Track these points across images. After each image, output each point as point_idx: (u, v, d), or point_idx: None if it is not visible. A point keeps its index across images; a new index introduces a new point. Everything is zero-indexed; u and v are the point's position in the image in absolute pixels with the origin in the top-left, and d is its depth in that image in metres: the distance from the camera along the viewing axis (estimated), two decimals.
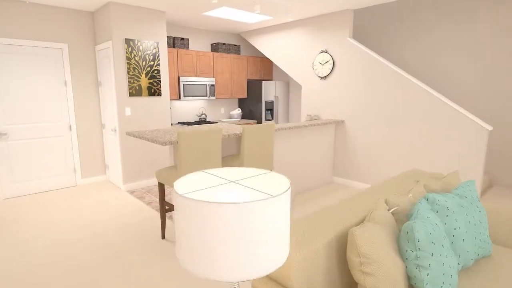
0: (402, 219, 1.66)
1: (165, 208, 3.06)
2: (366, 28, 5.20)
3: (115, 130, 4.51)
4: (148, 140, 2.99)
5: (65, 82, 4.55)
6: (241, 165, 3.17)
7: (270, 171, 1.03)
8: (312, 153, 4.60)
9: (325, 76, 4.90)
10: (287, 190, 0.83)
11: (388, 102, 4.21)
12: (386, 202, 1.68)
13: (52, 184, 4.61)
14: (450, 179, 2.11)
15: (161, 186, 3.04)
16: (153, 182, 4.88)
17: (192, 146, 2.68)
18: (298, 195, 4.43)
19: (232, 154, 3.57)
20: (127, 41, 4.31)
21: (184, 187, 0.86)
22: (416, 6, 4.66)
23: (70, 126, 4.66)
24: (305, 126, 4.19)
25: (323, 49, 4.87)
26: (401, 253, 1.40)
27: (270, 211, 0.77)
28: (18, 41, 4.11)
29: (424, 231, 1.34)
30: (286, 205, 0.83)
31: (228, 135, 3.21)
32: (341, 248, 1.46)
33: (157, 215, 3.69)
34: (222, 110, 6.55)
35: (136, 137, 3.19)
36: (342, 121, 4.75)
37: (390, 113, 4.21)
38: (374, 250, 1.30)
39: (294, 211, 3.85)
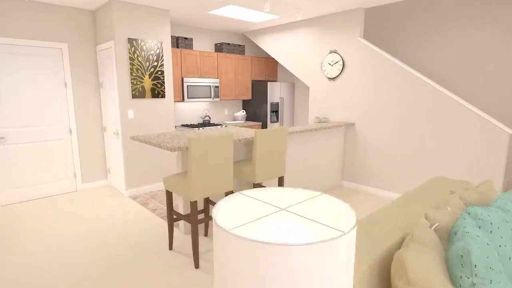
0: (444, 236, 1.50)
1: (173, 217, 2.89)
2: (375, 28, 5.05)
3: (117, 134, 4.33)
4: (155, 146, 2.82)
5: (65, 83, 4.38)
6: (252, 171, 3.00)
7: (321, 193, 0.87)
8: (321, 156, 4.45)
9: (334, 77, 4.75)
10: (355, 224, 0.67)
11: (400, 103, 4.06)
12: (426, 217, 1.52)
13: (52, 190, 4.43)
14: (484, 189, 1.96)
15: (169, 194, 2.87)
16: (156, 187, 4.71)
17: (204, 152, 2.52)
18: None
19: (242, 159, 3.41)
20: (130, 40, 4.14)
21: (227, 217, 0.70)
22: (428, 5, 4.51)
23: (70, 129, 4.49)
24: (316, 129, 4.03)
25: (332, 49, 4.72)
26: (453, 278, 1.24)
27: (340, 251, 0.61)
28: (17, 40, 3.93)
29: (481, 254, 1.19)
30: (353, 241, 0.67)
31: (239, 140, 3.05)
32: (383, 273, 1.30)
33: (163, 223, 3.52)
34: (226, 112, 6.39)
35: (142, 141, 3.02)
36: (352, 124, 4.60)
37: (402, 114, 4.06)
38: (426, 276, 1.14)
39: None
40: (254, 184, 3.06)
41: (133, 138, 3.18)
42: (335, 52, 4.68)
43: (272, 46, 5.66)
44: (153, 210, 3.90)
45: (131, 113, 4.30)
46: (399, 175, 4.21)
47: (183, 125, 5.51)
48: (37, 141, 4.23)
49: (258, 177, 3.02)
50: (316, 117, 5.03)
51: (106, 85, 4.49)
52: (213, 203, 3.04)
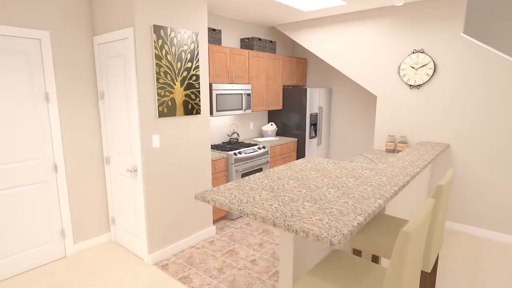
0: None
1: None
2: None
3: (135, 171, 2.85)
4: (317, 239, 1.48)
5: (46, 95, 2.79)
6: (427, 251, 1.77)
7: None
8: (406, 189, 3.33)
9: (419, 85, 3.66)
10: None
11: None
12: None
13: (27, 261, 2.81)
14: None
15: None
16: (187, 243, 3.27)
17: (413, 246, 1.25)
18: None
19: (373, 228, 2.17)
20: (157, 29, 2.68)
21: None
22: None
23: (56, 165, 2.90)
24: (429, 164, 2.89)
25: (418, 48, 3.63)
26: None
27: None
28: None
29: None
30: None
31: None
32: None
33: None
34: (251, 126, 5.05)
35: (273, 223, 1.65)
36: (447, 146, 3.54)
37: None
38: None
39: None
40: (426, 275, 1.83)
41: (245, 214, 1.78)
42: (422, 51, 3.59)
43: (318, 43, 4.44)
44: None
45: (156, 140, 2.83)
46: None
47: None
48: (2, 189, 2.61)
49: (433, 256, 1.80)
50: (389, 136, 3.91)
51: (110, 96, 2.97)
52: None
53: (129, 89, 2.74)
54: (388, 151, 3.89)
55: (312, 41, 4.50)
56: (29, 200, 2.76)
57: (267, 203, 1.68)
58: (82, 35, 2.97)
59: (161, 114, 2.82)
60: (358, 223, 1.44)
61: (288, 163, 2.60)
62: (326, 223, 1.44)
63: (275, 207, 1.63)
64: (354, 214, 1.54)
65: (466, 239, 3.42)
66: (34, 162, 2.77)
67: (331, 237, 1.31)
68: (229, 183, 2.05)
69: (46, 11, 2.71)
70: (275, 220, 1.47)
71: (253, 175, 2.24)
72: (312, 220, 1.47)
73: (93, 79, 3.08)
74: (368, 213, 1.55)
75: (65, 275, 2.76)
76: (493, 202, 3.38)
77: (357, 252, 2.13)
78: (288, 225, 1.43)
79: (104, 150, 3.21)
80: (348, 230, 1.37)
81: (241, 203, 1.69)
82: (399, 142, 3.80)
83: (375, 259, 2.36)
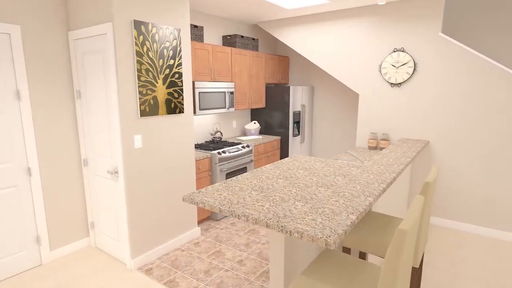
0: None
1: None
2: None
3: (116, 173, 2.73)
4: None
5: (17, 93, 2.62)
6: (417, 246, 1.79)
7: None
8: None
9: (399, 83, 3.74)
10: None
11: (504, 121, 3.22)
12: None
13: (1, 271, 2.64)
14: None
15: None
16: (171, 246, 3.18)
17: (410, 240, 1.25)
18: None
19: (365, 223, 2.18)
20: (137, 24, 2.58)
21: None
22: None
23: (29, 168, 2.73)
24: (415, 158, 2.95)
25: (398, 47, 3.70)
26: None
27: None
28: None
29: None
30: None
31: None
32: None
33: None
34: (234, 124, 5.00)
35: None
36: (427, 143, 3.64)
37: (508, 136, 3.22)
38: None
39: None
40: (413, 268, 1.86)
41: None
42: (402, 50, 3.66)
43: (300, 41, 4.44)
44: None
45: (138, 140, 2.73)
46: (495, 210, 3.37)
47: None
48: None
49: (421, 252, 1.82)
50: (371, 133, 3.97)
51: (88, 94, 2.83)
52: None
53: (109, 88, 2.62)
54: (370, 148, 3.96)
55: (295, 39, 4.50)
56: (1, 205, 2.58)
57: (258, 204, 1.65)
58: (57, 30, 2.80)
59: (143, 114, 2.72)
60: (351, 222, 1.43)
61: (275, 162, 2.57)
62: (320, 223, 1.42)
63: (267, 208, 1.59)
64: (346, 213, 1.53)
65: (443, 233, 3.54)
66: (4, 165, 2.59)
67: (326, 237, 1.29)
68: (217, 184, 1.99)
69: (16, 4, 2.53)
70: (268, 222, 1.44)
71: (241, 175, 2.20)
72: (306, 220, 1.45)
73: (69, 76, 2.92)
74: (360, 211, 1.55)
75: (41, 284, 2.60)
76: (471, 197, 3.51)
77: (346, 250, 2.14)
78: (282, 226, 1.40)
79: (82, 151, 3.06)
80: (343, 230, 1.35)
81: (231, 204, 1.64)
82: (381, 139, 3.87)
83: (362, 255, 2.38)
